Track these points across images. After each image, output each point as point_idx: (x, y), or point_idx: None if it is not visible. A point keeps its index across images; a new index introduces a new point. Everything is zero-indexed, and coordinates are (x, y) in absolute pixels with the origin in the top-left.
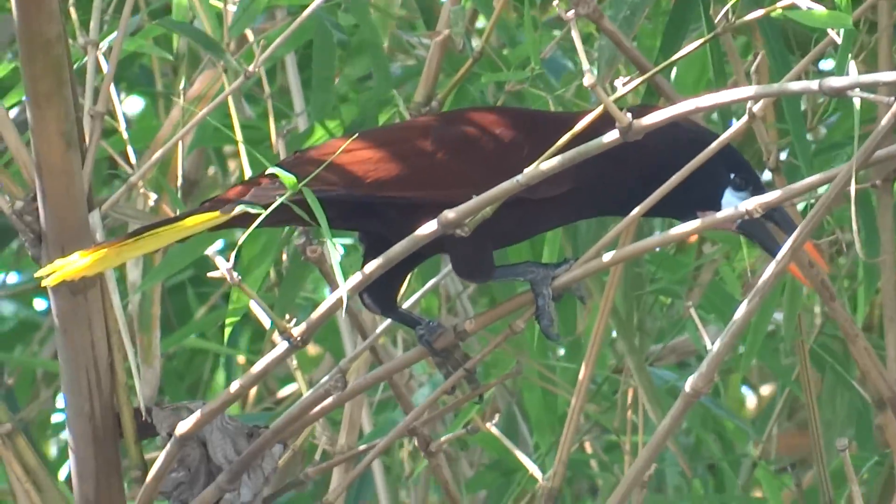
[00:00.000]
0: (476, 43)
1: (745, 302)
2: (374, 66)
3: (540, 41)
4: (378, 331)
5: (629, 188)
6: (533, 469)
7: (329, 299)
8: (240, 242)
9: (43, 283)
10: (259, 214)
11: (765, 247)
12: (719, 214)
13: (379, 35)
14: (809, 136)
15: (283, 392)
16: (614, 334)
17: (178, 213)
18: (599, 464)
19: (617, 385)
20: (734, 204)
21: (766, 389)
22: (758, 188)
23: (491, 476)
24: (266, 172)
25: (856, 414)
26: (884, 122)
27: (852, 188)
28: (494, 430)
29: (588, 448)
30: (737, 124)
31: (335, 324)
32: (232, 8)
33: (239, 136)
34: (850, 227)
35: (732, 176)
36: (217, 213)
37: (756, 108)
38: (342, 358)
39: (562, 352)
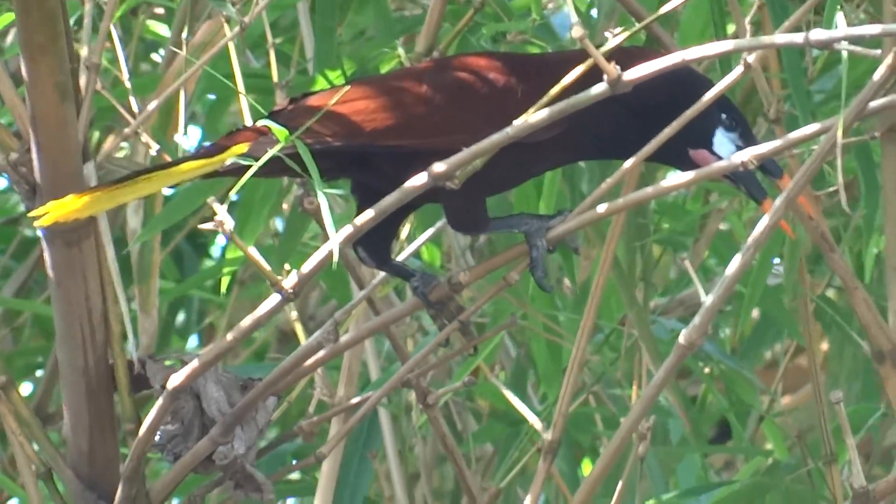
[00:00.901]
0: None
1: (740, 254)
2: (376, 16)
3: None
4: (374, 282)
5: (624, 127)
6: (534, 421)
7: (321, 251)
8: (231, 194)
9: (35, 224)
10: (250, 166)
11: (751, 194)
12: (714, 165)
13: None
14: (814, 87)
15: None
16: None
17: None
18: (604, 419)
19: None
20: (725, 144)
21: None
22: (746, 129)
23: (498, 427)
24: (258, 123)
25: (861, 367)
26: (877, 75)
27: (838, 142)
28: (497, 383)
29: (593, 403)
30: (732, 74)
31: (343, 273)
32: None
33: (241, 86)
34: (855, 178)
35: (723, 116)
36: (212, 159)
37: (751, 58)
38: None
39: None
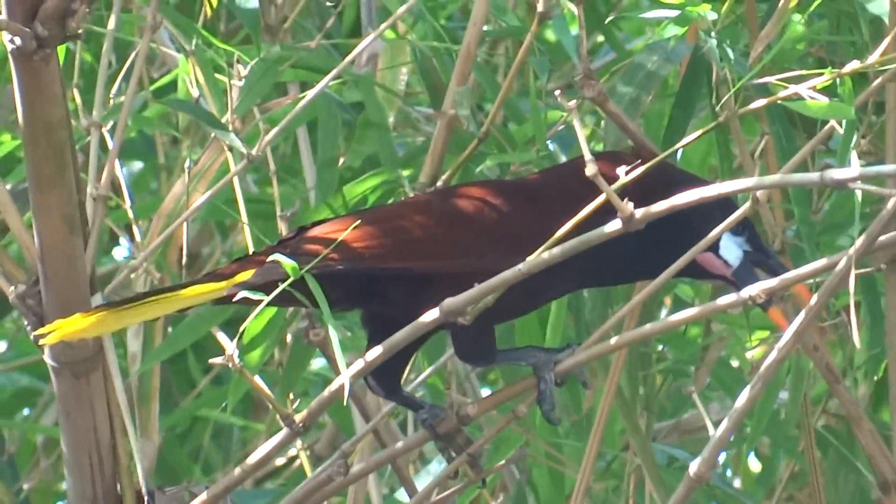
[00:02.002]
0: (482, 121)
1: (748, 387)
2: (379, 146)
3: (546, 118)
4: (381, 414)
5: (633, 251)
6: None
7: (331, 385)
8: (242, 328)
9: (41, 342)
10: (261, 300)
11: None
12: (721, 302)
13: (384, 114)
14: (815, 218)
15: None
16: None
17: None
18: None
19: (626, 462)
20: (731, 248)
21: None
22: (752, 232)
23: None
24: (268, 259)
25: (860, 494)
26: (887, 209)
27: (851, 281)
28: None
29: None
30: (741, 209)
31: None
32: (237, 83)
33: (244, 215)
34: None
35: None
36: (218, 285)
37: (759, 192)
38: (351, 434)
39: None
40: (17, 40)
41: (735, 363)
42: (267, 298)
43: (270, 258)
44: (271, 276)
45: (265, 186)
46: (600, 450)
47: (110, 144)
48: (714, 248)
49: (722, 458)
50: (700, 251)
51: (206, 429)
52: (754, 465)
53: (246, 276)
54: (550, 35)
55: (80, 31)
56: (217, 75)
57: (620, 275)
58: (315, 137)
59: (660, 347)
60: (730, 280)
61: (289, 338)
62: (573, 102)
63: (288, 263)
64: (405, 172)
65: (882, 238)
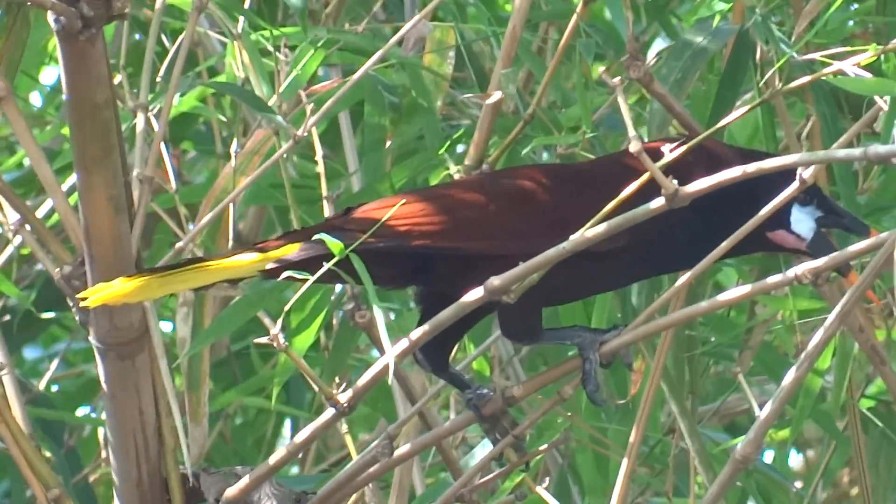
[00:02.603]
0: (529, 103)
1: (794, 368)
2: (426, 129)
3: (592, 101)
4: (427, 396)
5: (688, 235)
6: None
7: (376, 365)
8: (286, 308)
9: (83, 304)
10: (306, 279)
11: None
12: (769, 280)
13: (431, 97)
14: (861, 199)
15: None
16: (666, 396)
17: None
18: None
19: (669, 447)
20: (803, 220)
21: (812, 454)
22: (821, 198)
23: None
24: (314, 237)
25: None
26: None
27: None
28: (544, 494)
29: None
30: (788, 190)
31: (387, 387)
32: (284, 67)
33: (290, 197)
34: None
35: None
36: (263, 256)
37: (806, 174)
38: (394, 420)
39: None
40: (63, 20)
41: (779, 348)
42: (312, 278)
43: (316, 236)
44: (314, 251)
45: (309, 172)
46: (644, 435)
47: (156, 127)
48: (786, 222)
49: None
50: (758, 224)
51: (270, 419)
52: (794, 461)
53: (291, 249)
54: (602, 17)
55: (125, 11)
56: (263, 60)
57: (678, 261)
58: (358, 124)
59: (704, 332)
60: (806, 253)
61: (335, 322)
62: (618, 79)
63: (333, 242)
64: (451, 156)
65: None
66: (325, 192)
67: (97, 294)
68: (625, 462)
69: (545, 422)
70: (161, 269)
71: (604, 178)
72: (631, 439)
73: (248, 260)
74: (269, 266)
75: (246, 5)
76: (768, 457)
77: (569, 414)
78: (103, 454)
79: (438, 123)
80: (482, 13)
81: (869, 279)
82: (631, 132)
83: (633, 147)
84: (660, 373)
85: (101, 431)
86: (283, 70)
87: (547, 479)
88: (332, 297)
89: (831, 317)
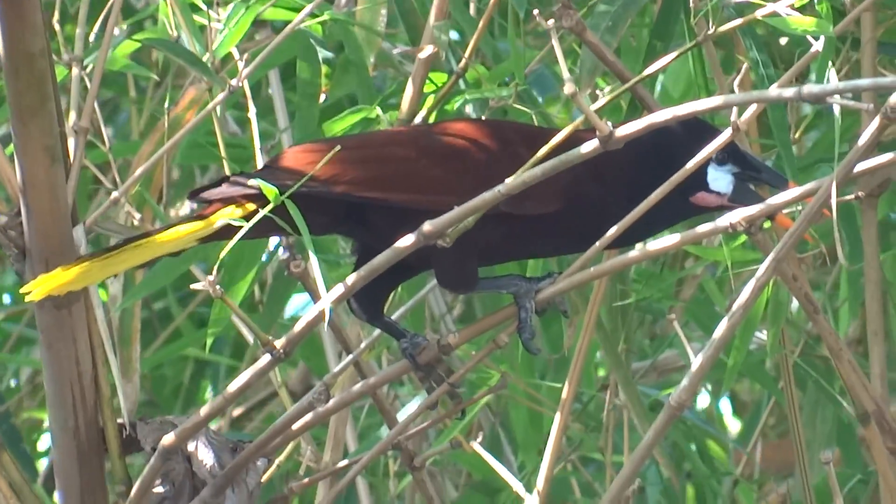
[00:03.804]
0: (461, 58)
1: (727, 317)
2: (358, 86)
3: (524, 56)
4: (363, 346)
5: (614, 213)
6: (518, 487)
7: (311, 310)
8: (222, 255)
9: (27, 299)
10: (240, 227)
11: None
12: (700, 228)
13: (363, 53)
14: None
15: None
16: (599, 354)
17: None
18: (581, 485)
19: (603, 404)
20: (720, 178)
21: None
22: (737, 154)
23: (475, 497)
24: (249, 182)
25: (838, 431)
26: (865, 134)
27: (833, 200)
28: (479, 449)
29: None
30: (720, 137)
31: (318, 342)
32: (216, 25)
33: (223, 151)
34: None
35: None
36: (200, 224)
37: (741, 120)
38: (324, 373)
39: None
40: None
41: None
42: (247, 225)
43: (251, 181)
44: (241, 191)
45: (240, 138)
46: (577, 391)
47: (88, 84)
48: (704, 184)
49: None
50: (678, 184)
51: (187, 368)
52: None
53: (226, 215)
54: None
55: None
56: (195, 17)
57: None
58: (290, 87)
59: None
60: (729, 207)
61: (269, 279)
62: (551, 21)
63: (268, 188)
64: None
65: (860, 165)
66: (257, 144)
67: (40, 286)
68: (558, 416)
69: (479, 379)
70: (100, 253)
71: (538, 137)
72: (564, 394)
73: (186, 230)
74: (208, 233)
75: None
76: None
77: (502, 369)
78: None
79: (370, 80)
80: None
81: (802, 226)
82: (565, 74)
83: (567, 89)
84: (593, 325)
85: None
86: (215, 28)
87: (480, 434)
88: (267, 251)
89: (765, 263)
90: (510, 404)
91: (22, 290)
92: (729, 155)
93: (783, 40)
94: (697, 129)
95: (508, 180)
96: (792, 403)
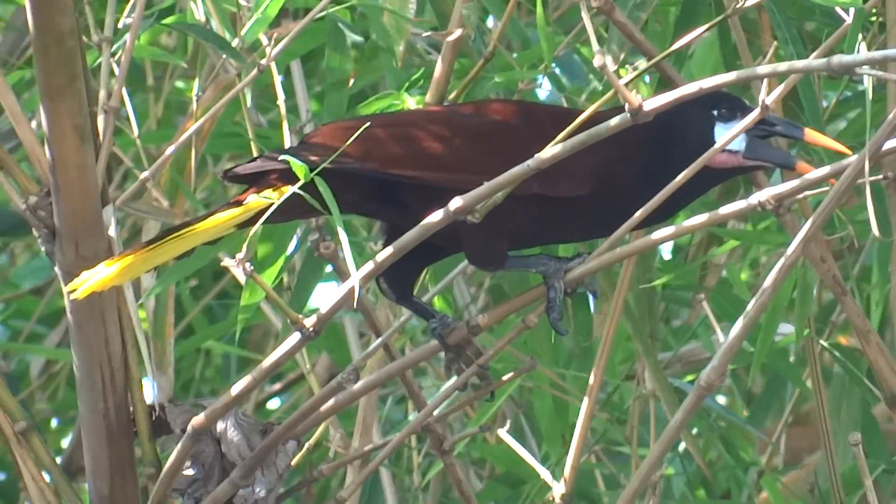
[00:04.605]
0: (489, 42)
1: (756, 296)
2: (386, 70)
3: (552, 40)
4: (392, 328)
5: (642, 196)
6: (545, 475)
7: (341, 288)
8: (252, 232)
9: (73, 296)
10: (273, 202)
11: (779, 164)
12: (727, 209)
13: (391, 39)
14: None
15: None
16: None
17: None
18: (605, 478)
19: (630, 393)
20: (728, 136)
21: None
22: (744, 109)
23: (500, 488)
24: (279, 158)
25: (862, 422)
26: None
27: (867, 173)
28: (505, 437)
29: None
30: (750, 116)
31: (342, 333)
32: (245, 10)
33: (252, 135)
34: (860, 226)
35: (715, 112)
36: (239, 210)
37: (769, 99)
38: (347, 363)
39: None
40: None
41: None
42: (279, 200)
43: (281, 157)
44: (272, 165)
45: (273, 125)
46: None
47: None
48: (714, 147)
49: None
50: (708, 157)
51: (198, 361)
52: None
53: (262, 202)
54: None
55: None
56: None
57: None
58: (312, 80)
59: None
60: (747, 165)
61: (297, 264)
62: None
63: (298, 165)
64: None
65: (889, 142)
66: (285, 127)
67: (85, 284)
68: (585, 404)
69: (504, 368)
70: (142, 245)
71: (567, 115)
72: (591, 381)
73: (225, 217)
74: (246, 217)
75: None
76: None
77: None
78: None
79: (397, 65)
80: None
81: (832, 205)
82: (595, 47)
83: (597, 61)
84: (619, 313)
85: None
86: (244, 15)
87: (507, 422)
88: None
89: (795, 241)
90: (534, 394)
91: (67, 288)
92: (735, 111)
93: (809, 26)
94: (707, 95)
95: (538, 154)
96: (819, 390)
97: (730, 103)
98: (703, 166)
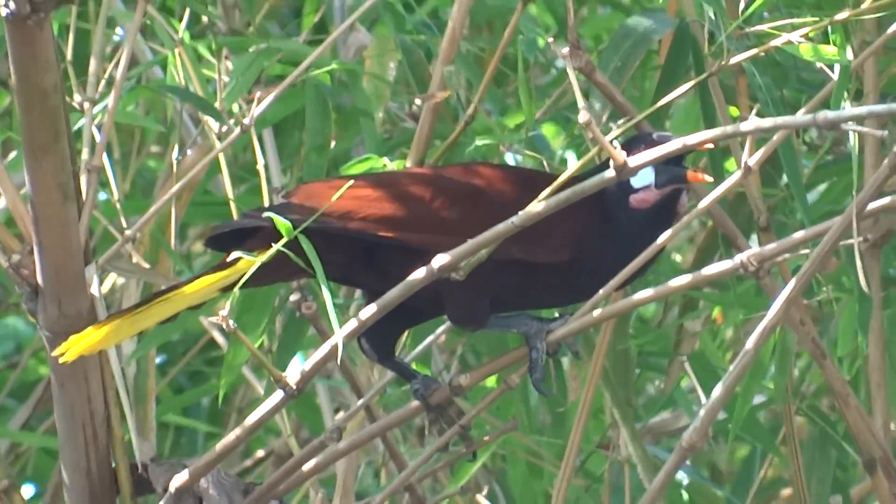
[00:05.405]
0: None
1: (739, 357)
2: (364, 133)
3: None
4: (374, 389)
5: (618, 262)
6: None
7: (324, 346)
8: (236, 289)
9: (61, 360)
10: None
11: (679, 180)
12: (709, 270)
13: (371, 102)
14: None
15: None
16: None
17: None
18: None
19: (602, 461)
20: (642, 175)
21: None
22: (647, 141)
23: None
24: (263, 215)
25: (833, 485)
26: (877, 175)
27: (854, 228)
28: (483, 502)
29: None
30: (731, 178)
31: (315, 403)
32: (224, 78)
33: (231, 194)
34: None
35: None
36: (226, 272)
37: (752, 160)
38: (319, 431)
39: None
40: (12, 4)
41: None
42: (266, 255)
43: (266, 214)
44: (258, 219)
45: (249, 192)
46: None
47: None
48: (630, 189)
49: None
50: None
51: (168, 435)
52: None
53: (248, 264)
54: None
55: None
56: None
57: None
58: (280, 140)
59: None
60: (662, 193)
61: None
62: (566, 49)
63: (281, 222)
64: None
65: (872, 204)
66: (265, 189)
67: (72, 347)
68: (561, 472)
69: (479, 435)
70: (129, 309)
71: (550, 179)
72: (568, 446)
73: (211, 279)
74: (232, 280)
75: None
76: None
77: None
78: None
79: (376, 129)
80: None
81: (814, 267)
82: (580, 103)
83: (582, 118)
84: (596, 379)
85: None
86: (223, 79)
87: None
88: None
89: (776, 303)
90: (508, 460)
91: (54, 353)
92: (639, 144)
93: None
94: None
95: (522, 212)
96: (796, 454)
97: (632, 142)
98: (636, 214)
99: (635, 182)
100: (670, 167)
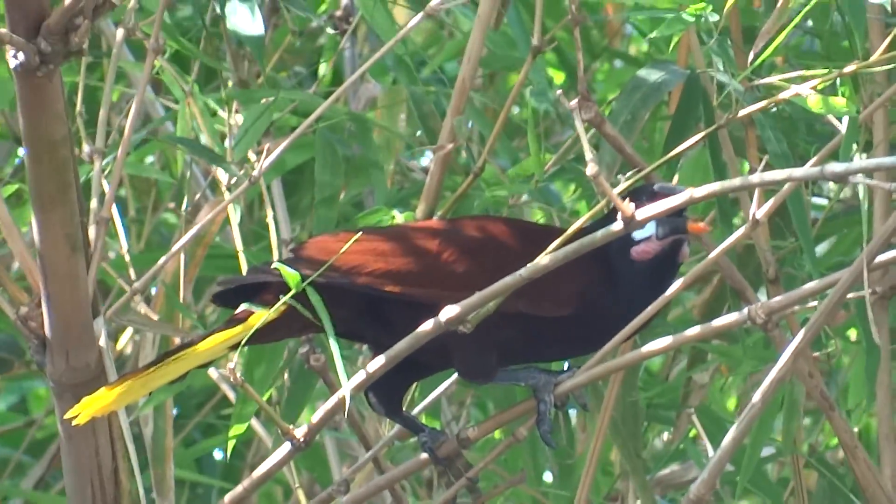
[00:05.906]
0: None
1: (747, 409)
2: (374, 184)
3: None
4: (381, 442)
5: (622, 316)
6: None
7: (332, 399)
8: (243, 343)
9: (74, 423)
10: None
11: (681, 231)
12: (721, 321)
13: (379, 154)
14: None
15: None
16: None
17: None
18: None
19: None
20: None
21: None
22: (649, 193)
23: None
24: (272, 267)
25: None
26: (887, 226)
27: (865, 278)
28: None
29: None
30: (739, 230)
31: (323, 455)
32: (234, 128)
33: (241, 249)
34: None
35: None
36: (238, 329)
37: (760, 213)
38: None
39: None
40: (21, 55)
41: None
42: (274, 308)
43: (274, 265)
44: (266, 274)
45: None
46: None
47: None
48: (631, 242)
49: None
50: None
51: (184, 491)
52: None
53: (259, 318)
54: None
55: (83, 48)
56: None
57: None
58: (290, 193)
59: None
60: (664, 244)
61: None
62: (575, 102)
63: (290, 274)
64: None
65: (881, 257)
66: (273, 241)
67: (84, 409)
68: None
69: (486, 486)
70: (140, 370)
71: (557, 233)
72: (577, 499)
73: (223, 336)
74: (244, 336)
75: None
76: None
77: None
78: None
79: (384, 180)
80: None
81: (822, 319)
82: (588, 156)
83: (590, 170)
84: (604, 430)
85: None
86: (233, 131)
87: None
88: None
89: (785, 355)
90: None
91: (66, 416)
92: (641, 196)
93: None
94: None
95: (531, 264)
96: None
97: (636, 195)
98: (631, 260)
99: (636, 233)
100: (671, 218)
